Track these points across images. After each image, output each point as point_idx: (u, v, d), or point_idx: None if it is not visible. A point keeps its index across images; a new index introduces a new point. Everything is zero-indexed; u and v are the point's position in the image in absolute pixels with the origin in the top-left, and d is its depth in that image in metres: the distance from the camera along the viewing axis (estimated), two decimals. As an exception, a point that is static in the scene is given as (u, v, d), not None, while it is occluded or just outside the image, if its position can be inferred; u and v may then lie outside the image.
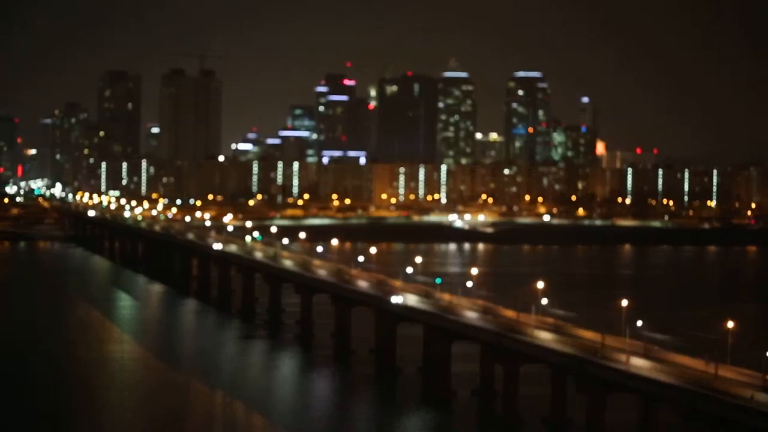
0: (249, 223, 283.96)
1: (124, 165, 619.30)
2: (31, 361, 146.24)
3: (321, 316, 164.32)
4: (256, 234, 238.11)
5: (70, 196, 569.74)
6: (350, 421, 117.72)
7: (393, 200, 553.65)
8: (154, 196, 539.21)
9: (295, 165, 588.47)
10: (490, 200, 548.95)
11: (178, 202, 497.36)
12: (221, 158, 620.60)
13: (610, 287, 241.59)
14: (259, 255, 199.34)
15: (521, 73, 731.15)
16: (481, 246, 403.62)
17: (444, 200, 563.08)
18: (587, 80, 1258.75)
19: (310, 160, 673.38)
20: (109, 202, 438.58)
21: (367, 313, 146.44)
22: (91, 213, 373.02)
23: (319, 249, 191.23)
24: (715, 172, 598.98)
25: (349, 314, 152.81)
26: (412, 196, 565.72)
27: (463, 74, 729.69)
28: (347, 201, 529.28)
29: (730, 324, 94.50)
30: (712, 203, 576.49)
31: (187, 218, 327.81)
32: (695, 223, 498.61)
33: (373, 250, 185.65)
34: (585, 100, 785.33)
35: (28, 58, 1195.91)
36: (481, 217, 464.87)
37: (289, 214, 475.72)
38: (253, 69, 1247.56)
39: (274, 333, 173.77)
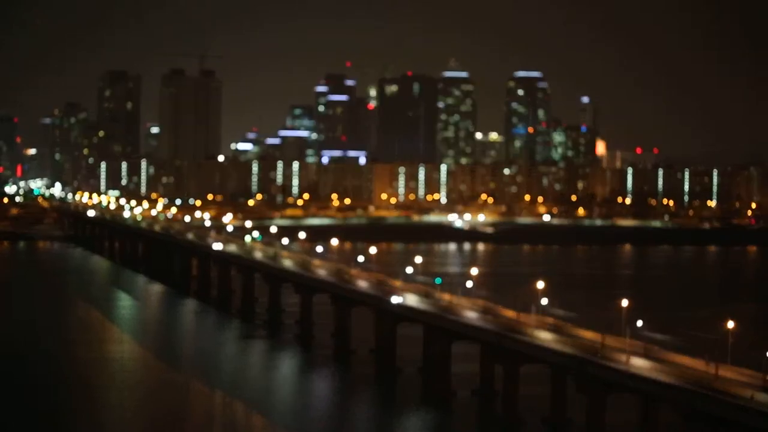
0: (249, 223, 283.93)
1: (124, 165, 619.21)
2: (31, 361, 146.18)
3: (321, 316, 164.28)
4: (255, 234, 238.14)
5: (70, 195, 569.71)
6: (350, 421, 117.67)
7: (393, 200, 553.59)
8: (154, 196, 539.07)
9: (295, 165, 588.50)
10: (490, 200, 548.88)
11: (178, 202, 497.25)
12: (221, 158, 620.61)
13: (610, 287, 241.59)
14: (258, 255, 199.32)
15: (521, 73, 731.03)
16: (481, 246, 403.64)
17: (444, 200, 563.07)
18: (587, 80, 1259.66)
19: (310, 160, 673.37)
20: (109, 202, 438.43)
21: (367, 313, 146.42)
22: (91, 213, 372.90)
23: (319, 249, 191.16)
24: (715, 172, 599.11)
25: (349, 314, 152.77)
26: (411, 196, 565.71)
27: (463, 74, 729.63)
28: (347, 201, 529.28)
29: (730, 324, 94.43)
30: (712, 203, 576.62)
31: (187, 218, 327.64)
32: (695, 223, 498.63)
33: (373, 250, 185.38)
34: (585, 100, 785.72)
35: (28, 58, 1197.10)
36: (481, 217, 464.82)
37: (289, 214, 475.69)
38: (253, 69, 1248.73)
39: (274, 333, 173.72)
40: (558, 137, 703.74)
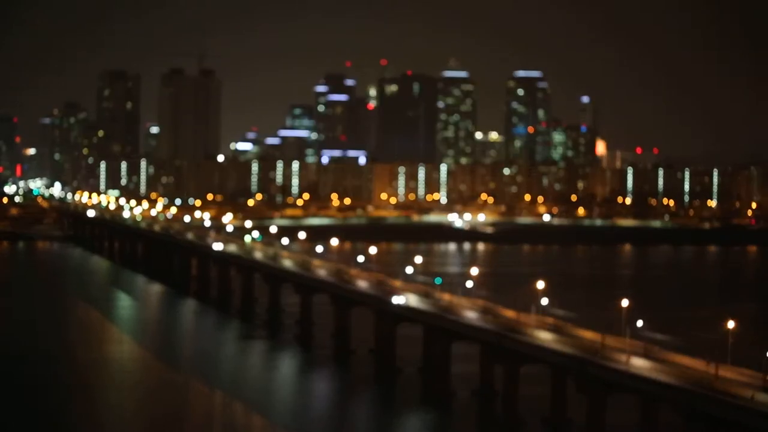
0: (248, 223, 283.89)
1: (124, 165, 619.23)
2: (30, 361, 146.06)
3: (321, 317, 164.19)
4: (255, 234, 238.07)
5: (69, 195, 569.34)
6: (350, 421, 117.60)
7: (393, 200, 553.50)
8: (154, 195, 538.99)
9: (295, 165, 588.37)
10: (490, 200, 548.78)
11: (178, 201, 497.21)
12: (221, 158, 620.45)
13: (610, 287, 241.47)
14: (258, 255, 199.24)
15: (521, 73, 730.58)
16: (481, 246, 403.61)
17: (444, 200, 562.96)
18: (587, 80, 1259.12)
19: (310, 160, 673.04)
20: (109, 202, 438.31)
21: (367, 314, 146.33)
22: (91, 213, 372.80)
23: (319, 249, 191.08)
24: (715, 171, 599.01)
25: (348, 314, 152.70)
26: (411, 196, 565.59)
27: (463, 74, 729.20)
28: (347, 201, 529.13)
29: (730, 324, 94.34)
30: (713, 203, 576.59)
31: (187, 218, 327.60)
32: (695, 223, 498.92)
33: (372, 250, 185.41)
34: (585, 99, 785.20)
35: (28, 58, 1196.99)
36: (481, 217, 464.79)
37: (289, 214, 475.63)
38: (253, 69, 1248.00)
39: (274, 333, 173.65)
40: (558, 137, 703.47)
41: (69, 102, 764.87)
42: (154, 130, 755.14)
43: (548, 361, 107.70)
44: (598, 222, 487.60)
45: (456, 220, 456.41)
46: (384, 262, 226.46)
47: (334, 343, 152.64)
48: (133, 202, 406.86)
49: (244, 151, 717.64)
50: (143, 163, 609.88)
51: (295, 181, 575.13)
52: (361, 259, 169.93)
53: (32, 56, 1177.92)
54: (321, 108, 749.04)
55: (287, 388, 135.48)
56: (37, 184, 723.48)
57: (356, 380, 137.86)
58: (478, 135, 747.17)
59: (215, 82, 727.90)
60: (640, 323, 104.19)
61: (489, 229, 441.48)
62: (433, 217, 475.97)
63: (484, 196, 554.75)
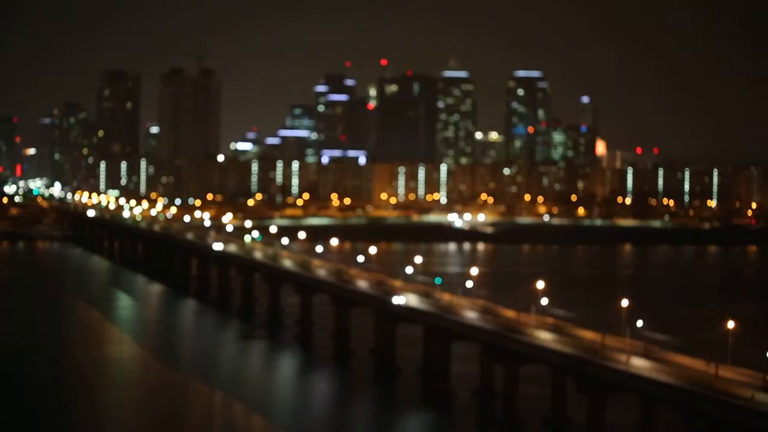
0: (248, 223, 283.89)
1: (124, 164, 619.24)
2: (30, 361, 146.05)
3: (321, 317, 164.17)
4: (255, 234, 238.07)
5: (69, 195, 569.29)
6: (350, 421, 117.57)
7: (393, 200, 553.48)
8: (154, 195, 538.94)
9: (295, 165, 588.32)
10: (490, 200, 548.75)
11: (178, 201, 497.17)
12: (221, 158, 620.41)
13: (610, 287, 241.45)
14: (258, 255, 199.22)
15: (521, 73, 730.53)
16: (481, 246, 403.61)
17: (444, 200, 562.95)
18: (587, 80, 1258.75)
19: (310, 159, 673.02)
20: (108, 202, 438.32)
21: (367, 314, 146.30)
22: (91, 213, 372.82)
23: (319, 249, 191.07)
24: (715, 171, 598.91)
25: (348, 314, 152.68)
26: (411, 196, 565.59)
27: (463, 74, 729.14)
28: (347, 201, 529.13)
29: (730, 324, 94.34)
30: (713, 203, 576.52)
31: (187, 218, 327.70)
32: (695, 223, 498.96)
33: (372, 250, 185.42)
34: (585, 99, 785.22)
35: (28, 58, 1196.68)
36: (481, 217, 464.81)
37: (289, 214, 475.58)
38: (253, 69, 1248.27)
39: (274, 333, 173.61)
40: (558, 137, 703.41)
41: (69, 102, 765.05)
42: (154, 130, 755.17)
43: (548, 361, 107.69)
44: (598, 222, 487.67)
45: (456, 220, 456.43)
46: (384, 262, 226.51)
47: (334, 343, 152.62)
48: (133, 202, 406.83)
49: (244, 151, 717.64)
50: (143, 163, 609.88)
51: (295, 181, 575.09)
52: (361, 259, 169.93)
53: (32, 56, 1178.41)
54: (321, 108, 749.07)
55: (287, 388, 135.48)
56: (37, 184, 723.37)
57: (356, 380, 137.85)
58: (478, 135, 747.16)
59: (215, 82, 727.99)
60: (640, 323, 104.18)
61: (489, 229, 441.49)
62: (433, 217, 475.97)
63: (484, 196, 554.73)
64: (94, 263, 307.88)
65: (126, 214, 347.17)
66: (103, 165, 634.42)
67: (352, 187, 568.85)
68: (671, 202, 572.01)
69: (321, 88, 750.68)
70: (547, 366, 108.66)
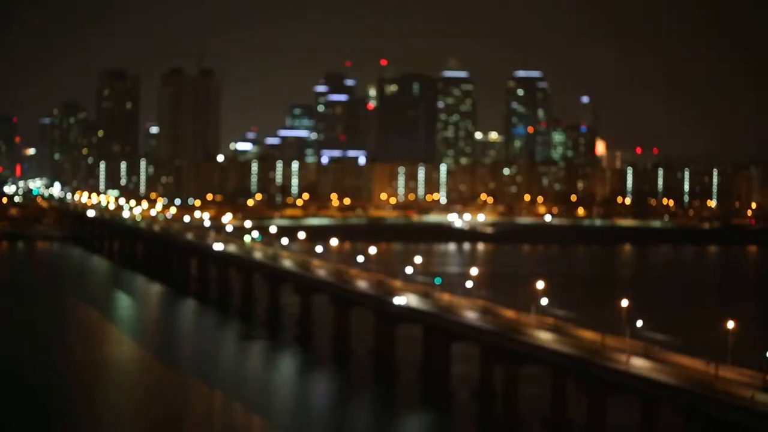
0: (248, 223, 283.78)
1: (123, 164, 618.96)
2: (30, 362, 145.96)
3: (320, 317, 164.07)
4: (255, 234, 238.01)
5: (69, 195, 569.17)
6: (350, 421, 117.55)
7: (393, 200, 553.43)
8: (153, 195, 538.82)
9: (295, 165, 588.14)
10: (490, 200, 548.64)
11: (177, 201, 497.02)
12: (220, 158, 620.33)
13: (610, 287, 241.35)
14: (258, 255, 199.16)
15: (521, 73, 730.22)
16: (481, 246, 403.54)
17: (443, 200, 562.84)
18: (587, 80, 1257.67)
19: (310, 159, 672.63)
20: (108, 202, 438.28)
21: (367, 314, 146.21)
22: (90, 213, 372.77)
23: (319, 249, 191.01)
24: (715, 171, 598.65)
25: (348, 315, 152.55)
26: (411, 196, 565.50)
27: (463, 74, 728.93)
28: (347, 201, 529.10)
29: (730, 324, 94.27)
30: (712, 203, 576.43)
31: (186, 218, 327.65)
32: (695, 223, 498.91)
33: (372, 250, 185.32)
34: (585, 99, 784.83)
35: (28, 58, 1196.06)
36: (481, 217, 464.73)
37: (289, 214, 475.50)
38: (253, 69, 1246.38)
39: (274, 333, 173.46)
40: (558, 137, 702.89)
41: (69, 102, 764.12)
42: (154, 130, 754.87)
43: (548, 361, 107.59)
44: (598, 222, 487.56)
45: (456, 220, 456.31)
46: (384, 262, 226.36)
47: (334, 344, 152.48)
48: (132, 202, 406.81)
49: (244, 151, 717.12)
50: (143, 163, 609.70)
51: (294, 181, 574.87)
52: (360, 259, 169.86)
53: (32, 56, 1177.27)
54: (321, 108, 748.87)
55: (287, 388, 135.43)
56: (36, 184, 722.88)
57: (356, 380, 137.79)
58: (478, 135, 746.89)
59: (215, 82, 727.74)
60: (640, 323, 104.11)
61: (489, 229, 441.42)
62: (433, 217, 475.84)
63: (483, 196, 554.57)
64: (93, 263, 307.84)
65: (126, 214, 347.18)
66: (102, 165, 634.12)
67: (352, 187, 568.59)
68: (671, 202, 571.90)
69: (321, 88, 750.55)
70: (547, 366, 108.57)
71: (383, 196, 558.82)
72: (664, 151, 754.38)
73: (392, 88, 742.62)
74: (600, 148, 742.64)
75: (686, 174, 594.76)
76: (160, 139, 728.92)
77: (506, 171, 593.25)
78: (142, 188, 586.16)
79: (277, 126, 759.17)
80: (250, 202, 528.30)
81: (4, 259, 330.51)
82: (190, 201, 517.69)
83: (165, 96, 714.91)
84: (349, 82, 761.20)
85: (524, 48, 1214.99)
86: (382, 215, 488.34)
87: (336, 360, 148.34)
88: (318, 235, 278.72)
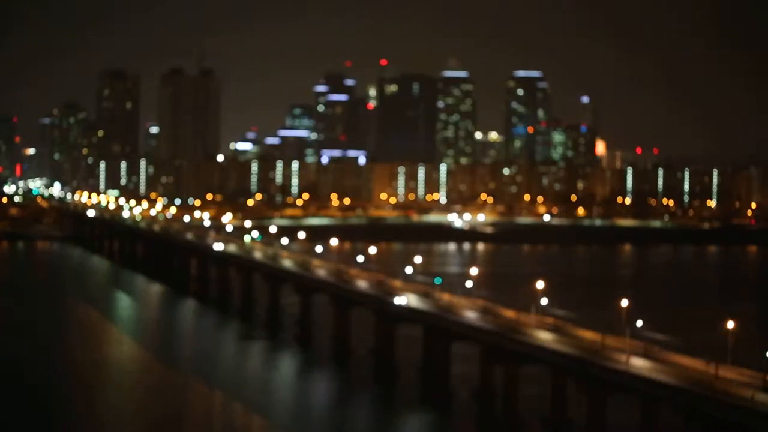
0: (248, 223, 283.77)
1: (123, 164, 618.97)
2: (30, 362, 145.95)
3: (320, 317, 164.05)
4: (255, 234, 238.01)
5: (69, 195, 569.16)
6: (350, 421, 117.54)
7: (393, 200, 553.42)
8: (153, 195, 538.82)
9: (295, 165, 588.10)
10: (490, 200, 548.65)
11: (177, 201, 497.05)
12: (220, 158, 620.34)
13: (610, 287, 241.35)
14: (258, 255, 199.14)
15: (521, 73, 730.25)
16: (481, 246, 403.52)
17: (443, 200, 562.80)
18: (587, 80, 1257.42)
19: (310, 159, 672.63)
20: (108, 202, 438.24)
21: (367, 314, 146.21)
22: (90, 213, 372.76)
23: (319, 249, 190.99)
24: (715, 171, 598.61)
25: (348, 315, 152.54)
26: (411, 196, 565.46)
27: (463, 74, 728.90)
28: (347, 201, 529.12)
29: (730, 324, 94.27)
30: (712, 203, 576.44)
31: (186, 218, 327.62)
32: (695, 223, 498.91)
33: (372, 250, 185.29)
34: (585, 99, 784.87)
35: (28, 58, 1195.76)
36: (481, 217, 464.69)
37: (289, 214, 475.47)
38: (253, 69, 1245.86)
39: (274, 333, 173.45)
40: (558, 137, 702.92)
41: (69, 102, 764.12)
42: (154, 130, 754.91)
43: (548, 361, 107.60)
44: (598, 222, 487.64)
45: (456, 220, 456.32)
46: (384, 262, 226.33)
47: (334, 344, 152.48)
48: (132, 202, 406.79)
49: (244, 151, 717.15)
50: (143, 163, 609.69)
51: (294, 181, 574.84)
52: (360, 259, 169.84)
53: (32, 56, 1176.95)
54: (321, 108, 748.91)
55: (287, 388, 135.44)
56: (36, 184, 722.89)
57: (356, 380, 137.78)
58: (478, 135, 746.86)
59: (215, 82, 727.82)
60: (640, 323, 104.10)
61: (489, 229, 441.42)
62: (433, 217, 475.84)
63: (483, 196, 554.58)
64: (93, 263, 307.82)
65: (126, 214, 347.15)
66: (102, 165, 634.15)
67: (352, 187, 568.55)
68: (671, 202, 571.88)
69: (321, 88, 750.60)
70: (547, 366, 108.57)
71: (383, 196, 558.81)
72: (664, 151, 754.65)
73: (392, 88, 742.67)
74: (600, 148, 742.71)
75: (686, 174, 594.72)
76: (160, 139, 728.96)
77: (506, 171, 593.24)
78: (142, 188, 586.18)
79: (277, 126, 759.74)
80: (250, 202, 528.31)
81: (4, 259, 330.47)
82: (190, 201, 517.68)
83: (165, 96, 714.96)
84: (349, 82, 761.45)
85: (524, 48, 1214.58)
86: (382, 215, 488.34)
87: (336, 360, 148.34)
88: (318, 235, 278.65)
